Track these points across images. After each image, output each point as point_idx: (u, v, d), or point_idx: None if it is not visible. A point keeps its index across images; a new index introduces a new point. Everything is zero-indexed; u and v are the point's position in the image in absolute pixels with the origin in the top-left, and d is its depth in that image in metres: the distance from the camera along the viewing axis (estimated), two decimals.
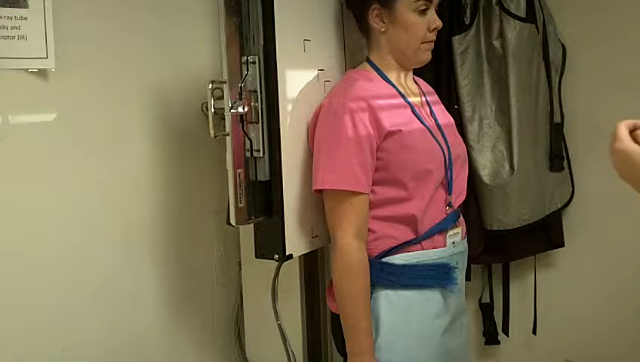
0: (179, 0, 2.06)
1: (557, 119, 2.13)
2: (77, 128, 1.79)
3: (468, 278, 1.98)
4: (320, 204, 1.64)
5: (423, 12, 1.61)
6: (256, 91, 1.58)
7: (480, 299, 2.35)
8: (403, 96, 1.66)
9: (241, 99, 1.57)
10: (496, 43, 2.09)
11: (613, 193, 2.16)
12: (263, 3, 1.57)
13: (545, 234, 2.20)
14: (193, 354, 2.17)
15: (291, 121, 1.62)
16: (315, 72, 1.69)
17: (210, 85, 1.59)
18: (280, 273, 1.77)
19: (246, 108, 1.57)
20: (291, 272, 1.98)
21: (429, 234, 1.61)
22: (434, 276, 1.61)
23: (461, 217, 1.72)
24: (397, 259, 1.59)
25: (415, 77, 1.77)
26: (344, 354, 1.60)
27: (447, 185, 1.64)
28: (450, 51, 2.12)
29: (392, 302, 1.58)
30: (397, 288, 1.59)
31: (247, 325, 2.17)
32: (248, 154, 1.60)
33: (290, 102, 1.62)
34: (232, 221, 1.59)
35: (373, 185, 1.58)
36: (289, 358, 1.88)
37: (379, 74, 1.67)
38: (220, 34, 1.55)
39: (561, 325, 2.28)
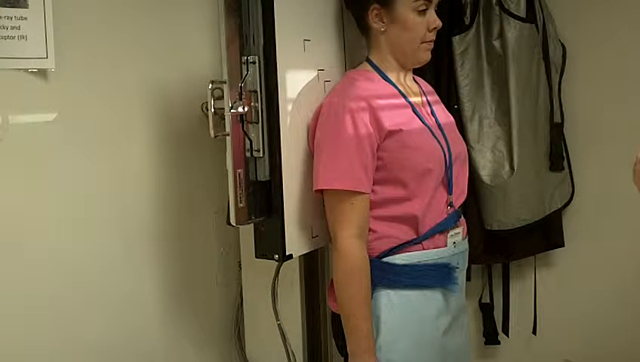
0: (179, 0, 2.06)
1: (557, 119, 2.13)
2: (77, 128, 1.79)
3: (468, 278, 1.97)
4: (320, 203, 1.64)
5: (422, 12, 1.61)
6: (256, 91, 1.58)
7: (480, 299, 2.35)
8: (403, 95, 1.66)
9: (241, 99, 1.56)
10: (496, 43, 2.09)
11: (613, 193, 2.18)
12: (263, 3, 1.57)
13: (545, 234, 2.20)
14: (193, 354, 2.17)
15: (291, 121, 1.62)
16: (315, 72, 1.69)
17: (210, 85, 1.59)
18: (280, 273, 1.77)
19: (246, 108, 1.57)
20: (291, 272, 1.98)
21: (430, 234, 1.61)
22: (435, 276, 1.61)
23: (462, 217, 1.72)
24: (398, 258, 1.59)
25: (415, 76, 1.77)
26: (344, 354, 1.60)
27: (448, 185, 1.64)
28: (450, 51, 2.12)
29: (392, 301, 1.58)
30: (398, 288, 1.59)
31: (247, 325, 2.17)
32: (248, 154, 1.60)
33: (290, 102, 1.62)
34: (232, 221, 1.59)
35: (373, 184, 1.58)
36: (289, 358, 1.88)
37: (379, 73, 1.67)
38: (219, 34, 1.55)
39: (561, 325, 2.28)
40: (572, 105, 2.17)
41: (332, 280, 1.60)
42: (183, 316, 2.12)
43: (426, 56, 1.67)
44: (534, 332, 2.27)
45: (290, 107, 1.62)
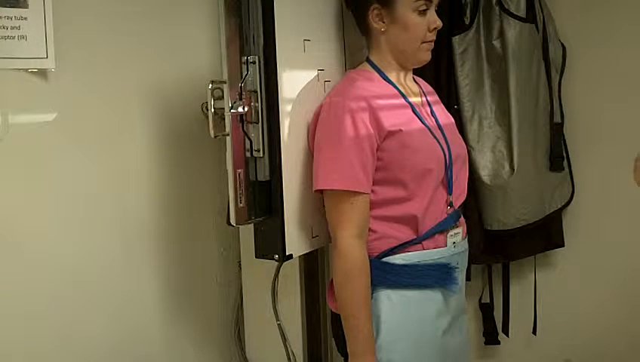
0: (179, 0, 2.06)
1: (557, 119, 2.13)
2: (77, 128, 1.79)
3: (468, 278, 1.98)
4: (320, 203, 1.64)
5: (423, 12, 1.61)
6: (256, 91, 1.58)
7: (480, 299, 2.35)
8: (403, 95, 1.66)
9: (241, 99, 1.56)
10: (496, 43, 2.09)
11: (613, 193, 2.18)
12: (263, 3, 1.57)
13: (545, 234, 2.20)
14: (193, 354, 2.17)
15: (291, 121, 1.62)
16: (315, 72, 1.69)
17: (210, 85, 1.59)
18: (280, 273, 1.77)
19: (246, 108, 1.57)
20: (291, 272, 1.98)
21: (429, 234, 1.61)
22: (435, 276, 1.61)
23: (462, 217, 1.72)
24: (398, 258, 1.59)
25: (415, 77, 1.77)
26: (344, 354, 1.60)
27: (448, 185, 1.64)
28: (450, 51, 2.12)
29: (392, 301, 1.58)
30: (398, 288, 1.59)
31: (247, 325, 2.17)
32: (248, 154, 1.60)
33: (290, 102, 1.62)
34: (232, 221, 1.59)
35: (373, 185, 1.58)
36: (289, 358, 1.88)
37: (379, 74, 1.67)
38: (219, 34, 1.55)
39: (561, 325, 2.28)
40: (572, 105, 2.17)
41: (332, 280, 1.60)
42: (183, 316, 2.12)
43: (426, 56, 1.67)
44: (534, 332, 2.27)
45: (290, 107, 1.62)
